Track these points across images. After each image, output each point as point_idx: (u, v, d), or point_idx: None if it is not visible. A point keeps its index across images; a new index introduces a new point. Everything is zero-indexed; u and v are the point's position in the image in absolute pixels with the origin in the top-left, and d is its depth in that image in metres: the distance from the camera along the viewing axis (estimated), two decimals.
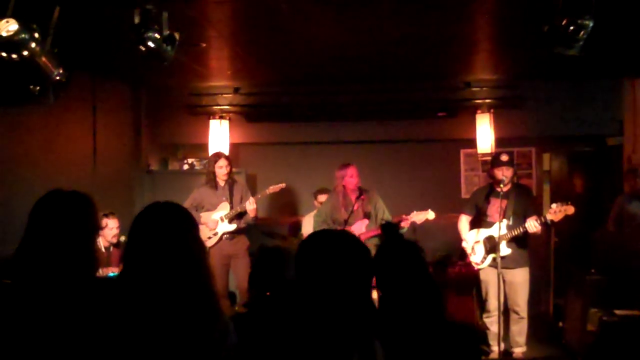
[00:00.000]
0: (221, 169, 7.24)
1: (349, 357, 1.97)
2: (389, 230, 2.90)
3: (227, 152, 8.21)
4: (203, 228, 7.12)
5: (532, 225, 6.04)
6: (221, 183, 7.31)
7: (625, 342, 1.73)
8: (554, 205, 6.03)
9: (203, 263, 2.38)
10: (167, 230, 2.33)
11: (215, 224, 7.20)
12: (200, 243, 2.45)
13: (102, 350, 2.20)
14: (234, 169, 7.50)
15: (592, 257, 7.45)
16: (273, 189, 7.30)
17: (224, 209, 7.25)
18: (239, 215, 7.28)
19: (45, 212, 2.55)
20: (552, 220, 6.03)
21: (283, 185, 7.34)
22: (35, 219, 2.54)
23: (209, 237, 7.16)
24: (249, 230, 7.51)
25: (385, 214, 6.54)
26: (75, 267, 2.47)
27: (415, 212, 6.41)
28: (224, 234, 7.25)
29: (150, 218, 2.39)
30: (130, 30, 4.10)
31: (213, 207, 7.27)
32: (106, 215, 6.43)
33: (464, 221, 6.73)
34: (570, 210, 5.93)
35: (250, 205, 7.11)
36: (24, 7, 3.49)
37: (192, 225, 2.44)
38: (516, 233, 6.17)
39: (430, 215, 6.37)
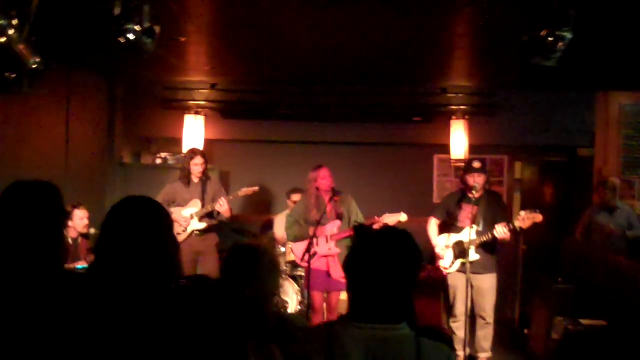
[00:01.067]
0: (197, 167, 7.20)
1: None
2: (361, 232, 2.91)
3: (202, 148, 8.18)
4: (175, 224, 7.10)
5: (501, 231, 6.09)
6: (195, 180, 7.27)
7: (589, 352, 1.76)
8: (522, 213, 6.08)
9: (175, 259, 2.38)
10: (141, 225, 2.32)
11: (186, 221, 7.17)
12: (173, 239, 2.44)
13: (71, 344, 2.19)
14: (208, 166, 7.46)
15: (560, 265, 7.54)
16: (246, 191, 7.27)
17: (194, 206, 7.22)
18: (210, 214, 7.26)
19: (9, 203, 2.52)
20: (520, 228, 6.07)
21: (256, 188, 7.31)
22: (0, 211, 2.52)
23: (179, 233, 7.13)
24: (219, 227, 7.48)
25: (358, 217, 6.55)
26: (43, 256, 2.44)
27: (387, 214, 6.42)
28: (193, 231, 7.23)
29: (124, 212, 2.37)
30: (111, 21, 4.07)
31: (185, 203, 7.24)
32: (75, 207, 6.40)
33: (433, 225, 6.75)
34: (539, 218, 6.00)
35: (222, 207, 7.09)
36: None
37: (166, 221, 2.43)
38: (485, 239, 6.22)
39: (403, 217, 6.38)
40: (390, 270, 2.15)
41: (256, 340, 2.17)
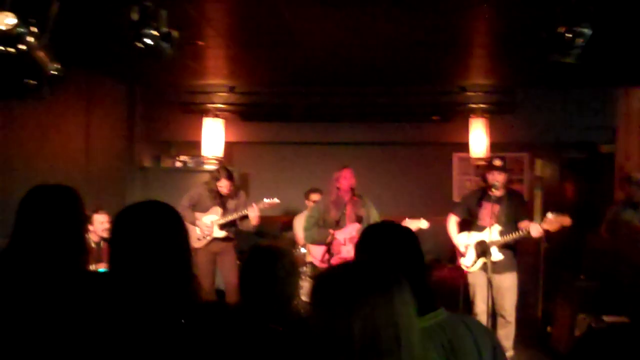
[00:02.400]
0: (222, 188, 7.26)
1: None
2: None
3: (221, 151, 8.21)
4: (194, 229, 7.14)
5: (536, 229, 6.02)
6: (219, 198, 7.34)
7: (611, 349, 1.74)
8: (550, 215, 5.99)
9: (188, 265, 2.33)
10: (154, 230, 2.27)
11: (209, 228, 7.22)
12: (187, 245, 2.37)
13: (92, 344, 2.19)
14: (234, 183, 7.48)
15: (582, 263, 7.48)
16: (267, 204, 7.26)
17: (214, 214, 7.27)
18: (231, 224, 7.30)
19: (30, 207, 2.55)
20: (547, 230, 6.01)
21: (277, 201, 7.34)
22: (21, 215, 2.54)
23: (199, 239, 7.17)
24: (236, 236, 7.53)
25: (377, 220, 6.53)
26: (65, 259, 2.48)
27: (408, 219, 6.40)
28: (213, 239, 7.28)
29: (136, 217, 2.33)
30: (129, 27, 4.09)
31: (205, 210, 7.30)
32: (94, 211, 6.43)
33: (452, 222, 6.71)
34: (567, 221, 5.92)
35: (253, 212, 7.11)
36: (22, 1, 3.48)
37: (180, 227, 2.37)
38: (508, 238, 6.18)
39: (423, 224, 6.35)
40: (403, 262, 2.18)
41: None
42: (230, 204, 7.33)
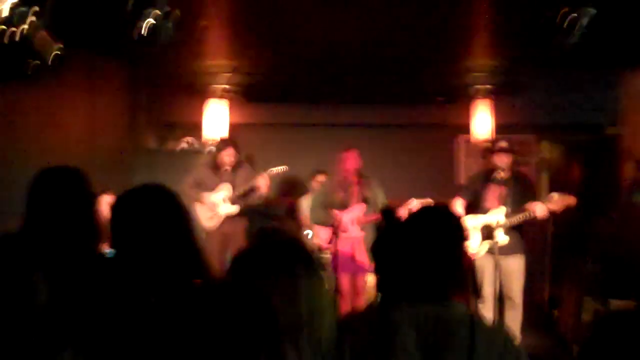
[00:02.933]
0: (228, 157, 7.20)
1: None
2: (389, 216, 2.87)
3: (226, 132, 8.18)
4: (204, 208, 7.10)
5: (541, 209, 5.99)
6: (226, 168, 7.27)
7: (620, 332, 1.71)
8: (555, 195, 5.97)
9: (193, 247, 2.29)
10: (152, 215, 2.23)
11: (215, 205, 7.17)
12: (187, 227, 2.32)
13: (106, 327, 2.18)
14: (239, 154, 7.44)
15: (589, 246, 7.45)
16: (275, 170, 7.25)
17: (225, 190, 7.21)
18: (243, 196, 7.24)
19: (41, 190, 2.57)
20: (552, 210, 5.98)
21: (285, 167, 7.32)
22: (32, 198, 2.56)
23: (211, 218, 7.13)
24: (249, 211, 7.46)
25: (382, 202, 6.51)
26: (77, 239, 2.51)
27: (414, 199, 6.38)
28: (225, 215, 7.22)
29: (133, 203, 2.28)
30: (131, 6, 4.06)
31: (212, 188, 7.23)
32: (103, 191, 6.42)
33: (459, 206, 6.65)
34: (572, 201, 5.90)
35: (263, 180, 7.08)
36: None
37: (178, 209, 2.32)
38: (515, 221, 6.15)
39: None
40: (430, 245, 2.11)
41: (266, 339, 2.13)
42: (238, 177, 7.27)
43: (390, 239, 2.19)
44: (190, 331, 1.98)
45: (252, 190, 7.20)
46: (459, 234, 2.20)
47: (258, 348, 1.83)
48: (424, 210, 2.32)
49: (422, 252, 2.11)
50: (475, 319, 2.07)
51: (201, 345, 1.95)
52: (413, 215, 2.25)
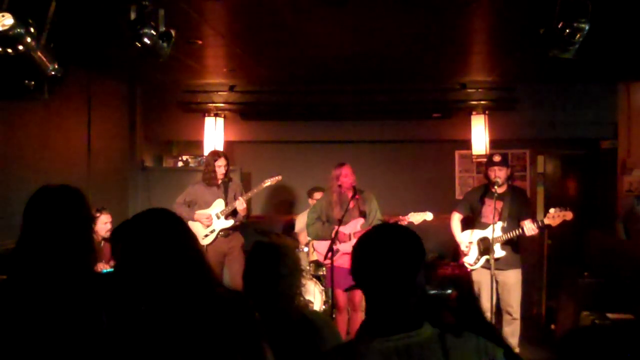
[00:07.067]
0: (220, 168, 7.23)
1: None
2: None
3: (222, 150, 8.20)
4: (197, 225, 7.12)
5: (530, 228, 6.01)
6: (217, 182, 7.29)
7: (616, 346, 1.71)
8: (552, 210, 5.96)
9: (196, 265, 2.31)
10: (156, 240, 2.24)
11: (209, 219, 7.19)
12: (190, 246, 2.34)
13: (104, 345, 2.20)
14: (230, 167, 7.48)
15: (586, 259, 7.47)
16: (270, 181, 7.32)
17: (219, 206, 7.24)
18: (234, 212, 7.27)
19: (37, 208, 2.56)
20: (549, 225, 5.99)
21: (279, 178, 7.35)
22: (29, 216, 2.55)
23: (206, 235, 7.16)
24: (243, 228, 7.50)
25: (377, 214, 6.53)
26: (73, 259, 2.48)
27: (412, 212, 6.41)
28: (220, 230, 7.24)
29: (137, 229, 2.30)
30: (126, 26, 4.09)
31: (207, 205, 7.25)
32: (98, 211, 6.45)
33: (456, 220, 6.69)
34: (569, 215, 5.89)
35: (240, 205, 7.13)
36: (19, 1, 3.47)
37: (181, 231, 2.35)
38: (511, 235, 6.16)
39: (429, 216, 6.37)
40: (391, 273, 2.02)
41: (245, 339, 2.14)
42: (230, 194, 7.32)
43: (362, 262, 2.14)
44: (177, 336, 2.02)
45: (235, 212, 7.27)
46: (418, 257, 2.10)
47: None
48: (374, 236, 2.16)
49: (380, 284, 2.03)
50: (444, 336, 2.02)
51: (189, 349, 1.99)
52: (365, 241, 2.15)
